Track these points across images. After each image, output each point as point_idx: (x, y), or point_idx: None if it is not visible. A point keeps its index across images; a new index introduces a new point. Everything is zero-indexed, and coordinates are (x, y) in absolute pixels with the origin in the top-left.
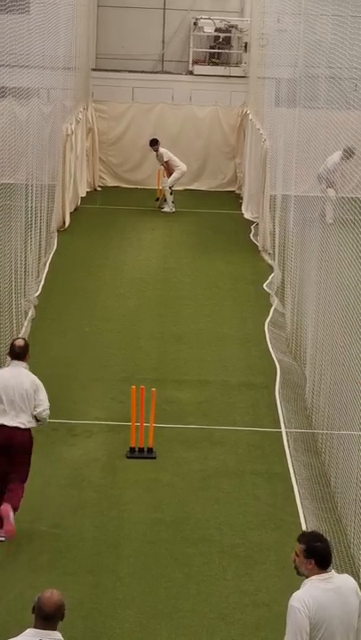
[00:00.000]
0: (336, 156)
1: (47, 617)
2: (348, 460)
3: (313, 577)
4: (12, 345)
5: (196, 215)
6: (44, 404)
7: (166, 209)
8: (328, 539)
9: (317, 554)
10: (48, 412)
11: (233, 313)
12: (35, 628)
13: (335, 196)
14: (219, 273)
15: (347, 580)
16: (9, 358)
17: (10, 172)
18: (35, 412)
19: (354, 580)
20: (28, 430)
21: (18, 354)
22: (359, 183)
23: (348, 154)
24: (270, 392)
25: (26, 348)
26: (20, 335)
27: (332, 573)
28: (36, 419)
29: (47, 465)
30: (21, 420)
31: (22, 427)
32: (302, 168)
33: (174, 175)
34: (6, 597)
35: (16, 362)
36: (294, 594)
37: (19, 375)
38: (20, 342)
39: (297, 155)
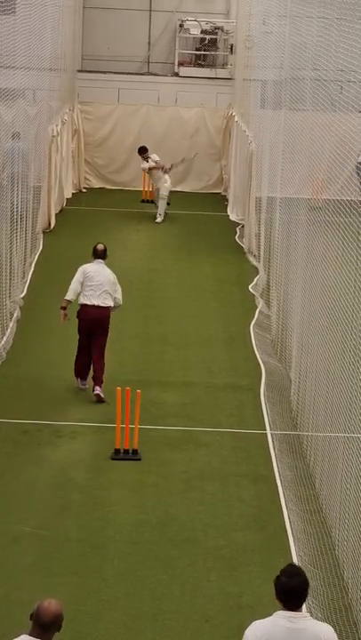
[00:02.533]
0: None
1: (44, 626)
2: (332, 461)
3: (280, 611)
4: (95, 248)
5: (182, 217)
6: (119, 293)
7: (159, 219)
8: (303, 578)
9: (278, 587)
10: (121, 301)
11: (218, 314)
12: (30, 635)
13: None
14: (204, 274)
15: (320, 628)
16: (93, 257)
17: None
18: (115, 296)
19: (330, 633)
20: (108, 308)
21: (100, 254)
22: (345, 185)
23: None
24: (255, 394)
25: (105, 250)
26: (6, 334)
27: (304, 614)
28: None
29: (32, 466)
30: (103, 301)
31: (104, 305)
32: (288, 170)
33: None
34: None
35: (98, 260)
36: (255, 621)
37: (101, 268)
38: (100, 246)
39: (283, 157)
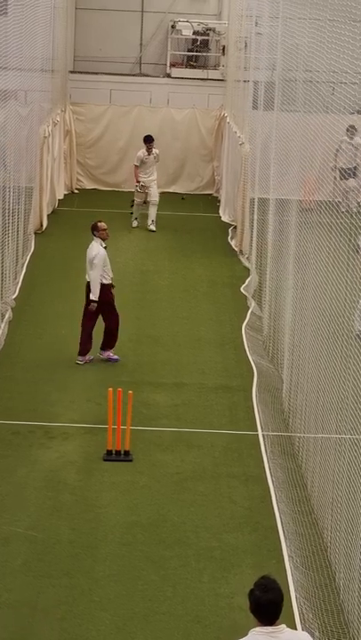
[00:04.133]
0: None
1: None
2: (324, 463)
3: (257, 628)
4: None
5: (174, 218)
6: (91, 270)
7: (153, 227)
8: (278, 591)
9: (253, 602)
10: (90, 277)
11: (210, 316)
12: None
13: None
14: (196, 276)
15: (299, 638)
16: None
17: None
18: None
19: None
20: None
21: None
22: (335, 188)
23: (353, 129)
24: (247, 395)
25: (94, 226)
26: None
27: (281, 628)
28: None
29: (24, 467)
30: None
31: (88, 280)
32: (280, 171)
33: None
34: None
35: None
36: None
37: (90, 246)
38: (93, 223)
39: (275, 158)
